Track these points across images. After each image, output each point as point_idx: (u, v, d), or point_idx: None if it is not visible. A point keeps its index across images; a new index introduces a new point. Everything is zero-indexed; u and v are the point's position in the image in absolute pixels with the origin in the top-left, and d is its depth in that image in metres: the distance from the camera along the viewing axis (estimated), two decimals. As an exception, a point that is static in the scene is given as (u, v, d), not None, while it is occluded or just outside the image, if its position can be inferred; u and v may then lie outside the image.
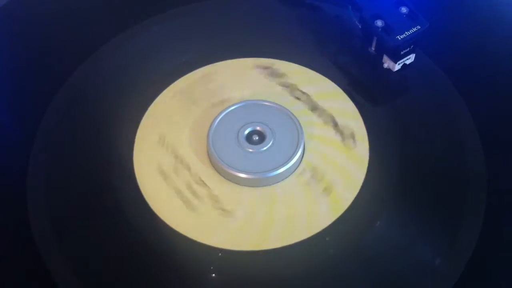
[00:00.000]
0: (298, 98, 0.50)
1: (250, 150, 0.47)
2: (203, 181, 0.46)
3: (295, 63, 0.53)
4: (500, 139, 0.49)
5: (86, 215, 0.45)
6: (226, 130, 0.47)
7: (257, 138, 0.47)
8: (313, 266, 0.43)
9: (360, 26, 0.52)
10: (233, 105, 0.48)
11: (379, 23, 0.50)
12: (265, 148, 0.47)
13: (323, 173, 0.47)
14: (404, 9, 0.50)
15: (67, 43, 0.54)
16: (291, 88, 0.51)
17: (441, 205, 0.46)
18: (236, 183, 0.46)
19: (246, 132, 0.47)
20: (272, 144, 0.47)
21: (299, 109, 0.50)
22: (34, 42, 0.55)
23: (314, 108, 0.50)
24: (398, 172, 0.47)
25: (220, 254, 0.43)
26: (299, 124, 0.47)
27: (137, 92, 0.51)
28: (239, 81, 0.52)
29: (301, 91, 0.51)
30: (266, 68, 0.52)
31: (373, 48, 0.52)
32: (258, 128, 0.48)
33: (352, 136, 0.48)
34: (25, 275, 0.43)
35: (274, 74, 0.52)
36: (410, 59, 0.52)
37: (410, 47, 0.50)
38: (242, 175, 0.45)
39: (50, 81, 0.52)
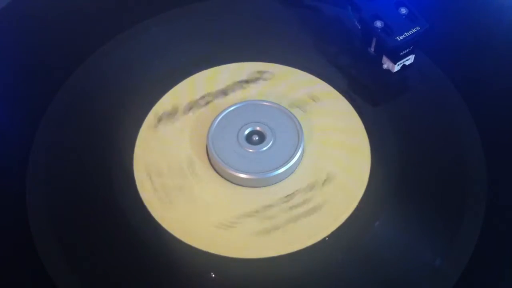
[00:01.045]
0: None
1: (250, 150, 0.47)
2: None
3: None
4: (501, 138, 0.49)
5: (86, 215, 0.45)
6: (226, 130, 0.47)
7: (257, 138, 0.47)
8: (314, 264, 0.43)
9: (359, 27, 0.52)
10: (233, 105, 0.48)
11: (378, 23, 0.50)
12: (265, 148, 0.47)
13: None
14: (403, 10, 0.50)
15: (67, 43, 0.54)
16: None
17: (442, 205, 0.46)
18: (236, 183, 0.46)
19: (246, 132, 0.47)
20: (272, 144, 0.47)
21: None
22: (35, 43, 0.55)
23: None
24: (398, 172, 0.47)
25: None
26: (299, 124, 0.47)
27: (138, 93, 0.51)
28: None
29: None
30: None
31: (372, 49, 0.52)
32: (258, 128, 0.48)
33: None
34: (25, 275, 0.43)
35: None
36: (409, 60, 0.52)
37: (409, 48, 0.50)
38: (242, 175, 0.45)
39: (50, 82, 0.52)
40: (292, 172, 0.47)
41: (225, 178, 0.46)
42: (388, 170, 0.47)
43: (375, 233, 0.44)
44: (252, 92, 0.51)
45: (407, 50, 0.50)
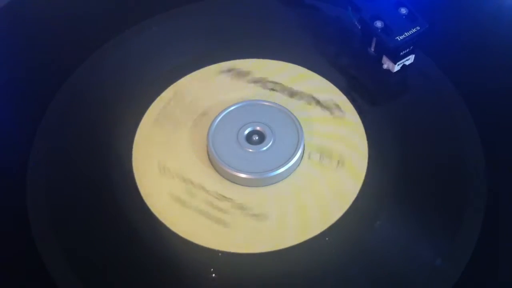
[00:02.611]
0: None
1: (250, 150, 0.47)
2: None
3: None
4: (500, 138, 0.49)
5: (86, 215, 0.45)
6: (226, 130, 0.47)
7: (257, 138, 0.47)
8: (313, 265, 0.43)
9: (359, 27, 0.52)
10: (233, 105, 0.49)
11: (378, 24, 0.50)
12: (265, 148, 0.47)
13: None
14: (403, 10, 0.51)
15: (67, 43, 0.54)
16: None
17: (441, 205, 0.46)
18: (236, 183, 0.46)
19: (246, 132, 0.47)
20: (272, 144, 0.47)
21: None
22: (35, 42, 0.55)
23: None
24: (398, 172, 0.47)
25: (220, 254, 0.43)
26: (299, 123, 0.47)
27: (137, 92, 0.51)
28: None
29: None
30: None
31: (372, 49, 0.52)
32: (258, 128, 0.48)
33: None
34: (25, 275, 0.43)
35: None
36: (409, 60, 0.52)
37: (409, 48, 0.50)
38: (242, 175, 0.45)
39: (50, 81, 0.52)
40: (292, 172, 0.47)
41: (225, 178, 0.46)
42: (388, 170, 0.47)
43: (374, 233, 0.44)
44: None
45: (407, 50, 0.50)
